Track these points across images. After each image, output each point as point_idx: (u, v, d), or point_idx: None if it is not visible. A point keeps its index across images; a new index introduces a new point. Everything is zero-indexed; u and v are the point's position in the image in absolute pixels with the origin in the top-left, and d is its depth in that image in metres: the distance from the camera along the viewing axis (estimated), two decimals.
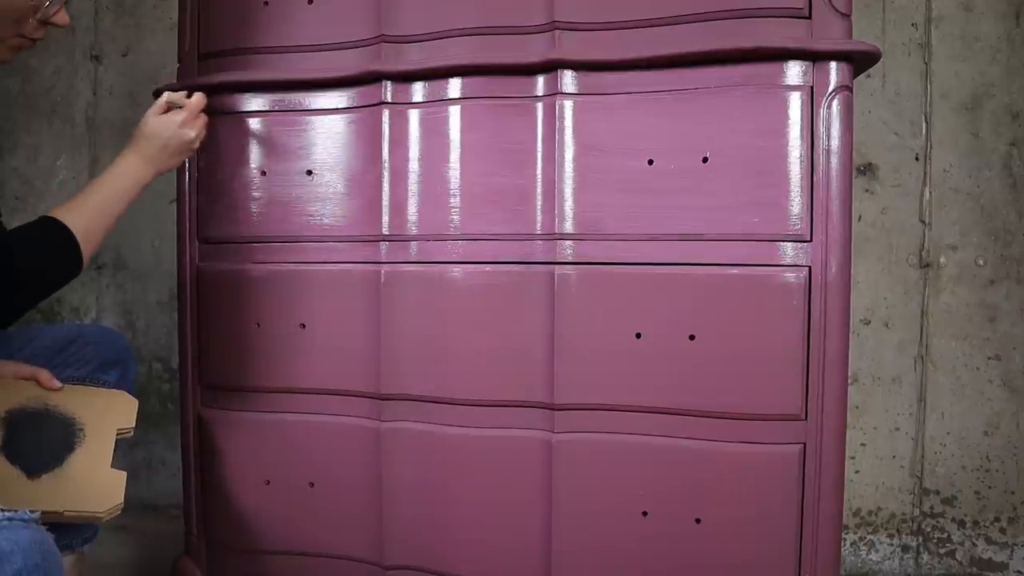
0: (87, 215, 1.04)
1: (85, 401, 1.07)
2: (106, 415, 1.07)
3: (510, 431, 1.11)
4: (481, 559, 1.13)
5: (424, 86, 1.13)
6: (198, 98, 1.14)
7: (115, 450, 1.06)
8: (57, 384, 1.06)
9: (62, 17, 1.00)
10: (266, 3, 1.20)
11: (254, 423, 1.23)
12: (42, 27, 1.00)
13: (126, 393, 1.12)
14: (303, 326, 1.19)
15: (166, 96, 1.14)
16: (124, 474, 1.04)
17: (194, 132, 1.14)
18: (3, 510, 0.71)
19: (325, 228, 1.18)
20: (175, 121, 1.12)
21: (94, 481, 1.02)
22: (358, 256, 1.17)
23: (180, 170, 1.26)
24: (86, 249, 1.03)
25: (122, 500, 1.03)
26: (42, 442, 1.02)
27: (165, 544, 1.65)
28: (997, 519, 1.58)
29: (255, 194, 1.21)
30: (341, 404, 1.19)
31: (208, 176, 1.24)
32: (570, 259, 1.08)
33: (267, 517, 1.23)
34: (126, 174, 1.09)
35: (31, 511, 0.73)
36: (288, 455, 1.21)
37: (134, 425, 1.09)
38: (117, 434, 1.07)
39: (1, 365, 1.06)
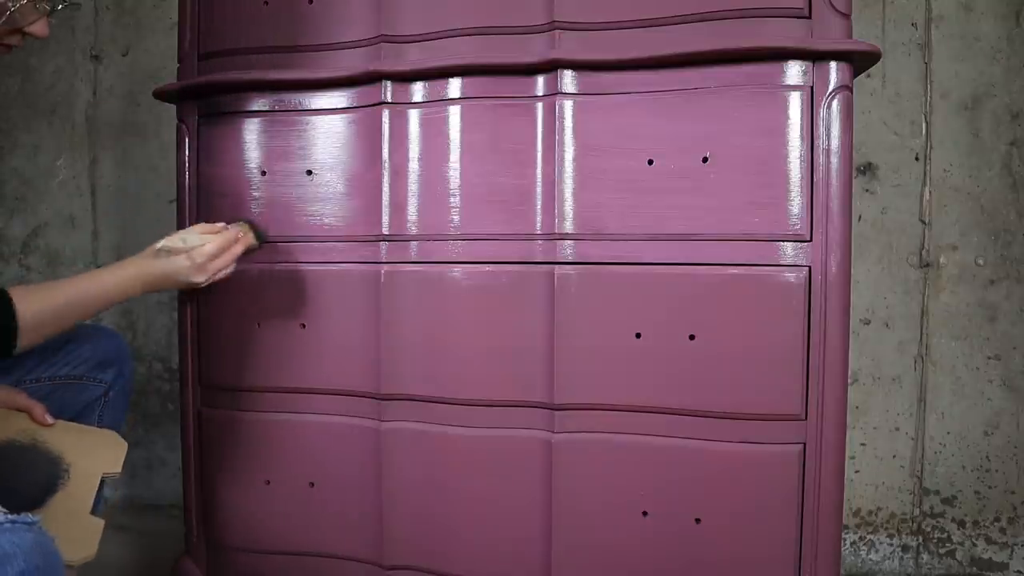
0: (50, 306, 0.99)
1: (75, 440, 1.05)
2: (94, 457, 1.05)
3: (510, 431, 1.11)
4: (481, 559, 1.13)
5: (424, 86, 1.13)
6: (238, 247, 1.11)
7: (99, 490, 1.04)
8: (50, 420, 1.04)
9: (40, 28, 0.96)
10: (266, 3, 1.20)
11: (254, 423, 1.23)
12: (18, 34, 0.96)
13: (116, 435, 1.10)
14: (303, 326, 1.19)
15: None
16: (102, 523, 1.02)
17: (203, 278, 1.09)
18: (5, 513, 0.71)
19: (325, 228, 1.18)
20: (190, 266, 1.07)
21: (71, 528, 0.99)
22: (358, 256, 1.17)
23: (180, 170, 1.26)
24: (27, 339, 0.96)
25: (95, 550, 1.00)
26: (26, 479, 1.00)
27: (165, 544, 1.65)
28: (997, 519, 1.58)
29: (255, 194, 1.21)
30: (341, 404, 1.19)
31: (208, 176, 1.24)
32: (570, 259, 1.08)
33: (267, 517, 1.23)
34: (116, 286, 1.04)
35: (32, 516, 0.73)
36: (288, 455, 1.22)
37: (120, 470, 1.07)
38: (102, 477, 1.05)
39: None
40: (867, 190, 1.61)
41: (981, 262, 1.57)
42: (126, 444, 1.10)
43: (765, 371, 1.02)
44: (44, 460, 1.03)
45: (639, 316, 1.05)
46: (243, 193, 1.21)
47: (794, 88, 1.00)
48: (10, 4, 0.91)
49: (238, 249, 1.12)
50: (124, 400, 1.28)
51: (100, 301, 1.05)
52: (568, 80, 1.07)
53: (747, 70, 1.01)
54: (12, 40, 0.96)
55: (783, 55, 1.00)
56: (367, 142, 1.16)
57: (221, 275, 1.11)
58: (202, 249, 1.08)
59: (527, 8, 1.08)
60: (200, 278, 1.09)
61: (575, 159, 1.07)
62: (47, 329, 1.00)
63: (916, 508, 1.61)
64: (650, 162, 1.04)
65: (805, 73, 1.00)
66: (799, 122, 1.00)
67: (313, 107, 1.18)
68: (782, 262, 1.01)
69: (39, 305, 0.98)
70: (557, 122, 1.07)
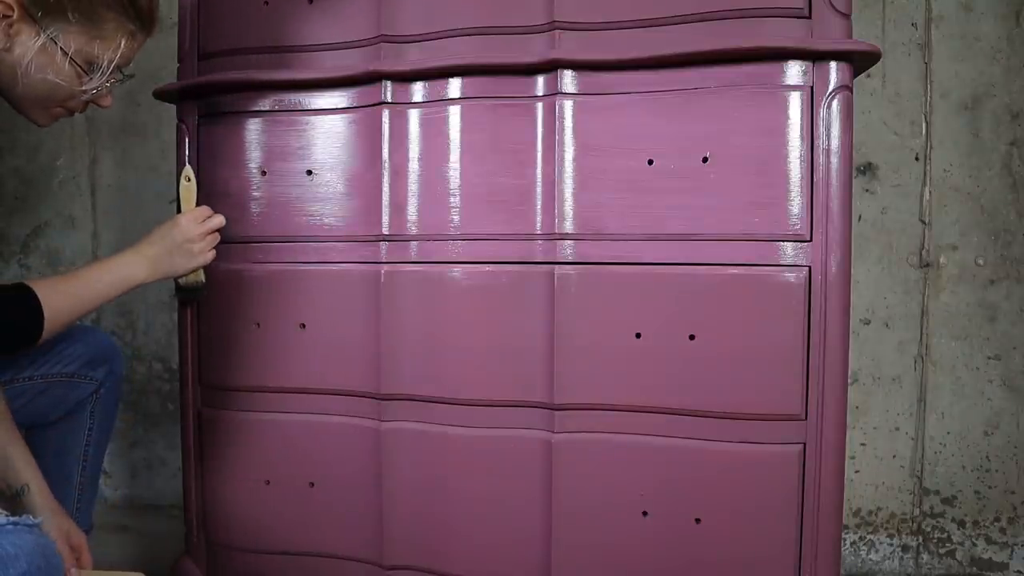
0: (64, 297, 1.02)
1: None
2: None
3: (510, 431, 1.11)
4: (481, 559, 1.13)
5: (424, 86, 1.13)
6: (219, 219, 1.17)
7: None
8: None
9: (106, 100, 1.04)
10: (266, 3, 1.20)
11: (254, 423, 1.23)
12: (85, 105, 1.04)
13: None
14: (303, 326, 1.19)
15: (186, 170, 1.21)
16: None
17: (199, 245, 1.14)
18: (7, 515, 0.72)
19: (325, 228, 1.18)
20: (186, 227, 1.14)
21: None
22: (358, 256, 1.17)
23: (180, 170, 1.26)
24: (49, 327, 1.00)
25: None
26: None
27: (165, 544, 1.65)
28: (997, 519, 1.58)
29: (255, 194, 1.21)
30: (341, 404, 1.19)
31: (208, 176, 1.24)
32: (570, 259, 1.08)
33: (267, 517, 1.23)
34: (119, 274, 1.08)
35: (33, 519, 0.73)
36: (288, 455, 1.22)
37: None
38: None
39: (60, 521, 1.04)
40: (867, 190, 1.61)
41: (981, 262, 1.57)
42: None
43: (765, 371, 1.02)
44: None
45: (639, 316, 1.05)
46: (243, 193, 1.21)
47: (794, 88, 1.00)
48: (92, 90, 1.01)
49: (218, 219, 1.17)
50: (115, 397, 1.30)
51: (105, 286, 1.07)
52: (568, 80, 1.07)
53: (747, 70, 1.01)
54: (80, 109, 1.05)
55: (783, 55, 1.00)
56: (367, 142, 1.16)
57: (212, 243, 1.17)
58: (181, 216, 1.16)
59: (527, 8, 1.08)
60: (193, 231, 1.14)
61: (575, 159, 1.07)
62: (64, 318, 1.02)
63: (916, 508, 1.61)
64: (650, 162, 1.04)
65: (805, 73, 1.00)
66: (799, 122, 1.00)
67: (313, 107, 1.18)
68: (782, 262, 1.01)
69: (60, 299, 1.01)
70: (557, 122, 1.07)
